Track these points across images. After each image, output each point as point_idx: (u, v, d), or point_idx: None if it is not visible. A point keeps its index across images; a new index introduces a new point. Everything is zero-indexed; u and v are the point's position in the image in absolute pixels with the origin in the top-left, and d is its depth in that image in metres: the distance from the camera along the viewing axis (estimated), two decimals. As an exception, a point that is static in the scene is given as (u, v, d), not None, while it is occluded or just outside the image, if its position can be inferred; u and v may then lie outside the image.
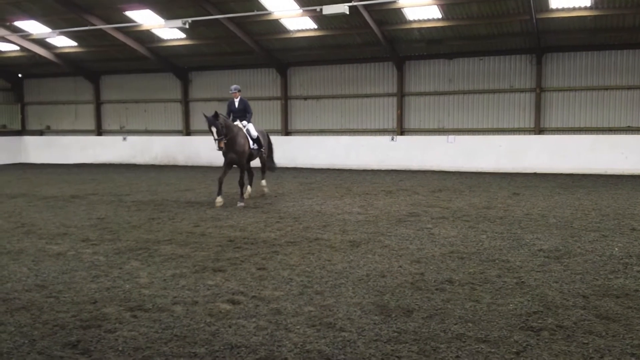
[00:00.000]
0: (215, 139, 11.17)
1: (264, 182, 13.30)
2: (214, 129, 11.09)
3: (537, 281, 5.95)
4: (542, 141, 18.49)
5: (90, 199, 12.83)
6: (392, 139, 20.28)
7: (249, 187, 12.74)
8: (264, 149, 12.74)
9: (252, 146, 12.15)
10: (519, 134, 19.11)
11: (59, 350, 4.34)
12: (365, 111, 21.26)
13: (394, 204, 11.51)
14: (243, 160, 11.86)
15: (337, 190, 14.11)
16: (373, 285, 5.88)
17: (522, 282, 5.93)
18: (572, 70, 18.51)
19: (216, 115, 11.18)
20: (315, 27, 18.96)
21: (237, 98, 12.38)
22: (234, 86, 12.41)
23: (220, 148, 11.25)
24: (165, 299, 5.49)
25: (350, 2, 15.58)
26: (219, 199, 11.50)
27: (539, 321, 4.80)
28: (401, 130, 20.56)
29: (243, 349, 4.32)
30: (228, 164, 11.80)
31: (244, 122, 12.22)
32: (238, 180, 11.85)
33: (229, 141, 11.39)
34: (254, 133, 12.28)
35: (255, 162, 13.19)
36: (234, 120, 12.19)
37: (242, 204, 11.43)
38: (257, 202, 12.06)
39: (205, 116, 11.29)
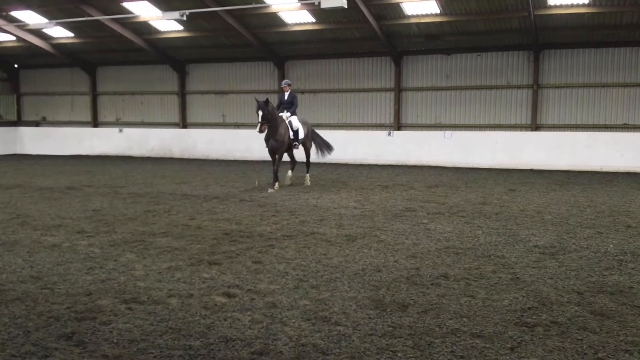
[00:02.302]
0: (258, 122, 12.20)
1: (289, 173, 13.81)
2: (260, 113, 12.12)
3: (532, 277, 5.96)
4: (539, 137, 18.52)
5: (85, 191, 12.78)
6: (389, 134, 20.27)
7: (289, 172, 13.74)
8: (299, 143, 13.35)
9: (291, 137, 13.04)
10: (516, 130, 19.13)
11: (54, 341, 4.33)
12: (362, 106, 21.24)
13: (390, 199, 11.52)
14: (282, 149, 12.82)
15: (334, 184, 14.10)
16: (368, 279, 5.88)
17: (517, 278, 5.94)
18: (569, 67, 18.51)
19: (267, 101, 12.24)
20: (313, 20, 18.90)
21: (287, 91, 13.45)
22: (285, 81, 13.63)
23: (260, 131, 12.24)
24: (160, 291, 5.48)
25: (349, -4, 15.52)
26: (277, 186, 12.77)
27: (534, 317, 4.82)
28: (398, 125, 20.55)
29: (238, 342, 4.32)
30: (271, 152, 12.85)
31: (287, 114, 13.14)
32: (273, 168, 12.96)
33: (271, 129, 12.45)
34: (296, 125, 13.17)
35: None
36: (282, 110, 13.18)
37: (271, 190, 12.55)
38: (252, 195, 12.04)
39: (257, 100, 12.31)
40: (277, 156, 12.89)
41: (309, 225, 8.72)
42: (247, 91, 22.86)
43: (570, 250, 7.16)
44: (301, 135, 13.35)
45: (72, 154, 24.62)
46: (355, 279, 5.90)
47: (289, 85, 13.56)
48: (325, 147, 14.57)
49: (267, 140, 12.74)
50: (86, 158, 23.12)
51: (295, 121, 13.23)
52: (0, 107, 26.85)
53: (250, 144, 21.87)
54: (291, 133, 13.02)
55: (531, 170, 17.64)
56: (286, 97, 13.44)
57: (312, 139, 14.20)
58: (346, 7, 15.13)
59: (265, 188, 12.90)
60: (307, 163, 14.17)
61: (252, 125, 22.72)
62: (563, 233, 8.18)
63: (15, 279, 5.89)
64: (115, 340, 4.34)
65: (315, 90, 21.83)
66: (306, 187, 13.39)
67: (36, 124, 26.97)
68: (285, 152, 13.29)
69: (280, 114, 12.98)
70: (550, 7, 16.29)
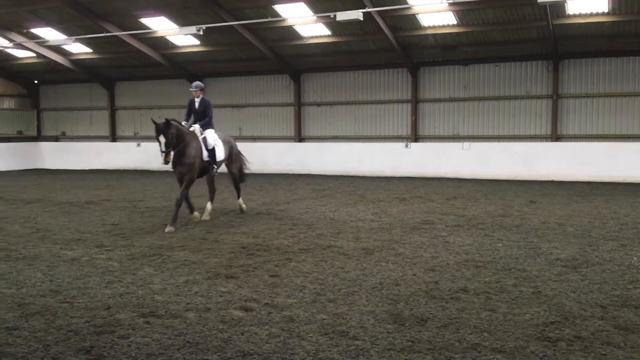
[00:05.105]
0: (161, 151, 9.51)
1: (240, 200, 11.49)
2: (162, 139, 9.45)
3: (554, 291, 5.85)
4: (559, 148, 18.31)
5: (104, 205, 12.90)
6: (406, 146, 20.21)
7: (209, 204, 10.89)
8: (217, 166, 10.59)
9: (205, 159, 10.25)
10: (536, 141, 18.93)
11: (73, 355, 4.34)
12: (379, 118, 21.21)
13: (408, 212, 11.44)
14: (192, 174, 9.97)
15: (351, 197, 14.05)
16: (387, 293, 5.82)
17: (539, 291, 5.83)
18: (590, 77, 18.30)
19: (168, 123, 9.56)
20: (329, 33, 18.98)
21: (198, 97, 10.66)
22: (195, 83, 10.70)
23: (165, 162, 9.55)
24: (178, 305, 5.48)
25: (365, 8, 15.58)
26: (196, 214, 10.24)
27: (556, 331, 4.72)
28: (415, 137, 20.47)
29: (255, 356, 4.29)
30: (181, 179, 10.04)
31: (197, 126, 10.39)
32: (176, 199, 9.85)
33: (178, 151, 9.70)
34: (211, 142, 10.40)
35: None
36: (194, 122, 10.55)
37: (171, 228, 9.34)
38: (269, 208, 12.04)
39: (155, 123, 9.60)
40: (185, 181, 9.90)
41: (326, 239, 8.68)
42: (263, 104, 22.99)
43: (593, 263, 7.03)
44: (220, 156, 10.58)
45: (90, 169, 24.91)
46: (373, 292, 5.84)
47: (202, 89, 10.64)
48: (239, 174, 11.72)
49: (173, 165, 9.88)
50: (105, 172, 23.37)
51: (211, 137, 10.42)
52: (21, 123, 27.32)
53: (266, 158, 21.96)
54: (205, 153, 10.23)
55: (552, 182, 17.42)
56: (197, 105, 10.65)
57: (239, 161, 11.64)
58: (362, 19, 15.19)
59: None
60: (237, 187, 11.49)
61: (268, 138, 22.89)
62: (586, 246, 8.03)
63: (35, 293, 5.93)
64: (133, 354, 4.34)
65: (332, 102, 21.87)
66: (243, 215, 11.10)
67: (56, 139, 27.38)
68: (201, 177, 10.55)
69: (190, 129, 10.24)
70: (569, 16, 16.16)
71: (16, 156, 25.71)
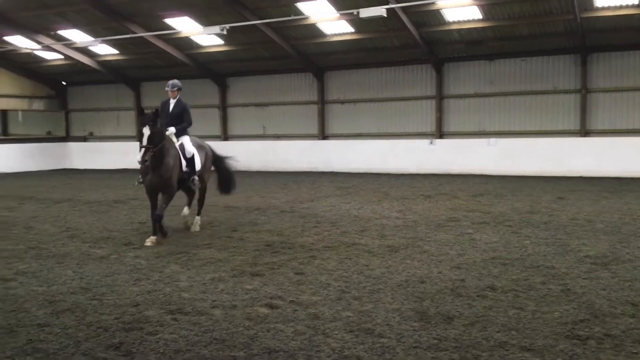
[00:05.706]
0: (142, 146, 8.06)
1: (186, 209, 9.76)
2: (146, 132, 8.04)
3: (583, 288, 5.75)
4: (588, 143, 17.96)
5: (131, 204, 13.09)
6: (431, 143, 20.05)
7: (197, 217, 9.61)
8: (197, 177, 9.16)
9: (184, 169, 8.88)
10: (564, 136, 18.59)
11: (103, 351, 4.42)
12: (403, 114, 21.08)
13: (433, 209, 11.35)
14: (170, 188, 8.56)
15: (375, 194, 14.01)
16: (412, 291, 5.78)
17: (568, 289, 5.74)
18: (619, 70, 17.89)
19: (157, 113, 8.28)
20: (352, 30, 18.93)
21: (174, 98, 9.19)
22: (172, 82, 9.23)
23: (144, 161, 8.11)
24: (204, 302, 5.53)
25: (388, 4, 15.49)
26: (152, 239, 8.29)
27: (586, 330, 4.64)
28: (440, 134, 20.30)
29: (281, 353, 4.31)
30: (152, 191, 8.57)
31: (172, 130, 8.84)
32: (151, 213, 8.59)
33: (154, 158, 8.22)
34: (190, 150, 9.03)
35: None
36: (167, 126, 8.85)
37: (153, 238, 8.32)
38: (293, 206, 12.08)
39: (142, 112, 8.46)
40: (163, 197, 8.55)
41: (351, 236, 8.66)
42: (287, 102, 23.06)
43: (624, 260, 6.88)
44: (198, 165, 9.13)
45: (118, 168, 25.27)
46: (399, 290, 5.82)
47: (179, 89, 9.16)
48: (228, 183, 10.32)
49: (145, 173, 8.48)
50: (132, 172, 23.60)
51: (188, 144, 9.05)
52: (49, 124, 27.91)
53: (289, 156, 22.04)
54: (184, 163, 8.84)
55: (580, 178, 17.10)
56: (172, 107, 9.12)
57: (216, 168, 10.21)
58: (385, 15, 15.10)
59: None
60: (201, 200, 9.77)
61: (292, 136, 22.93)
62: (616, 242, 7.87)
63: (66, 290, 6.04)
64: (161, 350, 4.40)
65: (355, 100, 21.82)
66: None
67: (84, 139, 27.87)
68: (177, 190, 9.00)
69: (166, 133, 8.67)
70: (597, 8, 15.85)
71: (45, 156, 26.22)
